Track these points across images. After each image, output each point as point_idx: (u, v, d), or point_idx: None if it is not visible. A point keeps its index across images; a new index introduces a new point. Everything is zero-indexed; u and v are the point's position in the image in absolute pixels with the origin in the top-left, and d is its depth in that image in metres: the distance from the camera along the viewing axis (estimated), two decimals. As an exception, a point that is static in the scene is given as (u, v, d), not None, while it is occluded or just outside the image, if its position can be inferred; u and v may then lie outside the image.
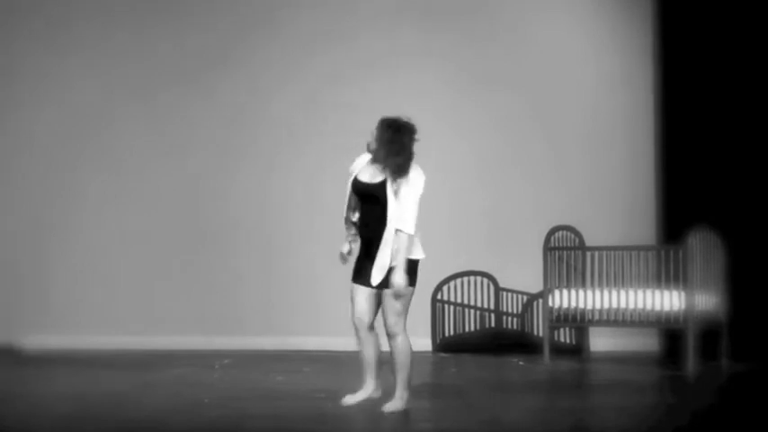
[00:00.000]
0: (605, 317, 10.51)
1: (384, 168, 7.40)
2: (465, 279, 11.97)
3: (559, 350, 11.24)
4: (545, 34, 12.26)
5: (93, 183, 12.45)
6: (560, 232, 10.98)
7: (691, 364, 9.94)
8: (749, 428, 7.27)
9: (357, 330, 7.59)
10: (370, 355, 7.64)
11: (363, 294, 7.52)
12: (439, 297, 11.95)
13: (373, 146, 7.46)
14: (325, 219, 11.78)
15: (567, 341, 11.72)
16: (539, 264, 10.82)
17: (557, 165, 12.07)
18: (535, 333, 11.80)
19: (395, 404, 7.51)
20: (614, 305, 10.46)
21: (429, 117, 12.14)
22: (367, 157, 7.54)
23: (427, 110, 12.17)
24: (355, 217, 7.57)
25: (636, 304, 10.39)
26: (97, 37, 12.52)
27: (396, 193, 7.36)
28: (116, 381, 9.51)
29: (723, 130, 11.10)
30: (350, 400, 7.69)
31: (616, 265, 10.53)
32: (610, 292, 10.49)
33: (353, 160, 7.67)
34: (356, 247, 7.62)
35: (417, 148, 11.96)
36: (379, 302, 7.51)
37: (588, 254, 10.74)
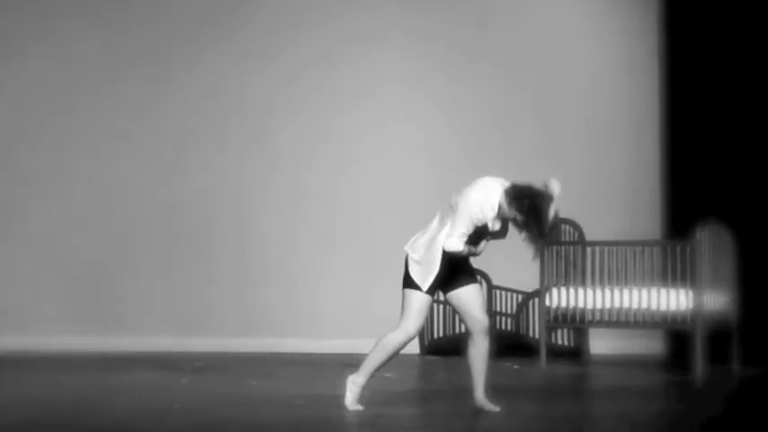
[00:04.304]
0: (606, 317, 10.52)
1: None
2: (455, 276, 11.98)
3: (557, 353, 11.26)
4: (545, 19, 12.28)
5: (58, 175, 12.45)
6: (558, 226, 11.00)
7: (699, 368, 9.96)
8: (761, 438, 7.31)
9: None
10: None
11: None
12: (427, 296, 11.95)
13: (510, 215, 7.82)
14: (303, 217, 11.83)
15: (566, 343, 11.75)
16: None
17: (555, 154, 12.08)
18: (531, 334, 11.81)
19: None
20: (616, 304, 10.48)
21: (420, 105, 12.22)
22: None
23: (418, 98, 12.23)
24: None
25: (639, 304, 10.41)
26: (57, 16, 12.49)
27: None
28: (77, 385, 9.49)
29: (733, 117, 11.12)
30: None
31: (618, 261, 10.55)
32: (611, 291, 10.50)
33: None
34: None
35: (404, 137, 12.04)
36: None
37: (588, 249, 10.75)
